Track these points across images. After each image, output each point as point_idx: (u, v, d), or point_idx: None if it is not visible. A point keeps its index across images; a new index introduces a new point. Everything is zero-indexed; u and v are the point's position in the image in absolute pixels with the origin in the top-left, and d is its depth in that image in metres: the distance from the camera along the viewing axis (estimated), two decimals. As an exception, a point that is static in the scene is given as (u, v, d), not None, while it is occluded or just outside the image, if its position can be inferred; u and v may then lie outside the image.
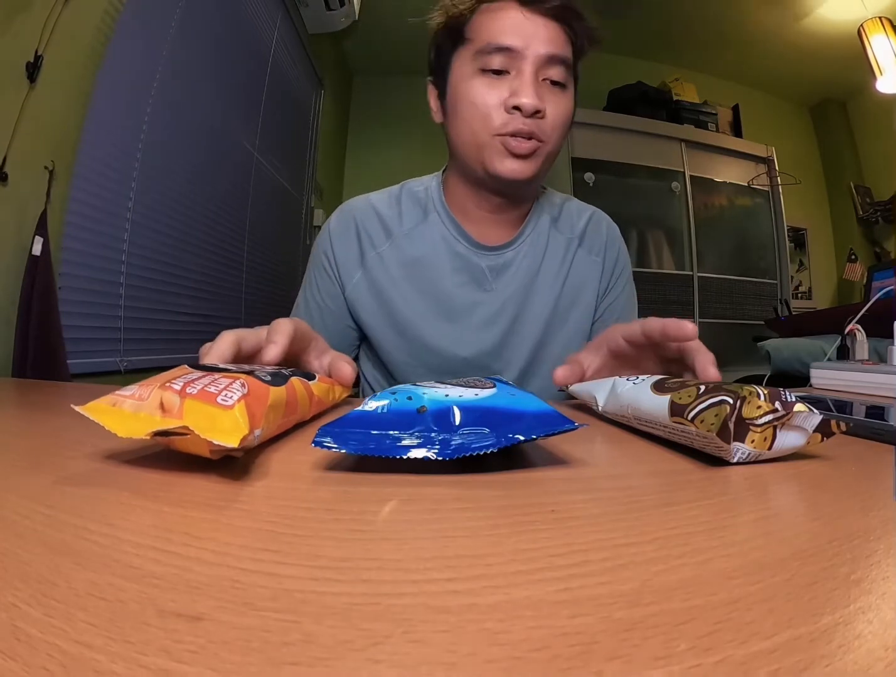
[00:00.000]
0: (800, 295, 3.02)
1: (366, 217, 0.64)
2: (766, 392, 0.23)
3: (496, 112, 0.54)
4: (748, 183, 2.87)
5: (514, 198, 0.61)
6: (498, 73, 0.54)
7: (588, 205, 0.72)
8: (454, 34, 0.57)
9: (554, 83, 0.55)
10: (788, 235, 2.90)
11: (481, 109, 0.54)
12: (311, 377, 0.32)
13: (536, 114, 0.52)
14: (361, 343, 0.68)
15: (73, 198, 0.96)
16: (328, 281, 0.64)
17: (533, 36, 0.53)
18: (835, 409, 0.38)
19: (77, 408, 0.21)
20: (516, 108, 0.52)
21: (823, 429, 0.23)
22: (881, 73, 2.14)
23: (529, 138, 0.54)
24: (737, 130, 2.94)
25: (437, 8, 0.58)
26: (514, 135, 0.53)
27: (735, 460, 0.22)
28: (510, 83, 0.53)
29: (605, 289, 0.68)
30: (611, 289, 0.69)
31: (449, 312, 0.62)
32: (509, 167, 0.54)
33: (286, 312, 0.63)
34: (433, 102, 0.62)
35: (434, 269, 0.62)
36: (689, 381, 0.27)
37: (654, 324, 0.39)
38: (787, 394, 0.23)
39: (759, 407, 0.22)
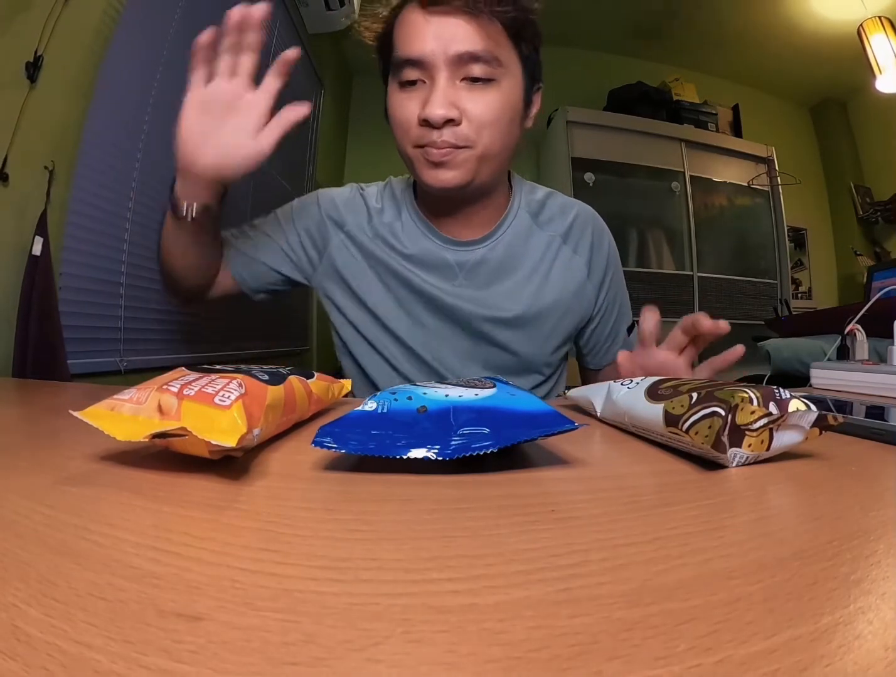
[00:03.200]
0: (800, 295, 3.01)
1: (366, 194, 0.66)
2: (758, 395, 0.23)
3: (412, 126, 0.53)
4: (748, 183, 2.86)
5: (465, 201, 0.60)
6: (413, 83, 0.53)
7: (573, 201, 0.70)
8: (383, 50, 0.56)
9: (475, 80, 0.52)
10: (788, 235, 2.90)
11: (402, 124, 0.54)
12: (309, 376, 0.32)
13: (449, 122, 0.51)
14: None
15: (73, 198, 0.96)
16: (312, 218, 0.65)
17: (437, 38, 0.50)
18: (835, 409, 0.38)
19: (76, 414, 0.21)
20: (426, 120, 0.51)
21: (821, 423, 0.23)
22: (881, 73, 2.14)
23: (445, 148, 0.52)
24: (737, 130, 2.93)
25: (363, 27, 0.58)
26: (429, 146, 0.52)
27: (734, 464, 0.22)
28: (423, 94, 0.52)
29: (595, 295, 0.67)
30: (601, 294, 0.67)
31: (413, 304, 0.63)
32: (433, 176, 0.54)
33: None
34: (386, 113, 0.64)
35: (404, 263, 0.63)
36: (681, 386, 0.27)
37: (686, 322, 0.48)
38: (782, 391, 0.23)
39: (752, 412, 0.22)
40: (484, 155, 0.54)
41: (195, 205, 0.52)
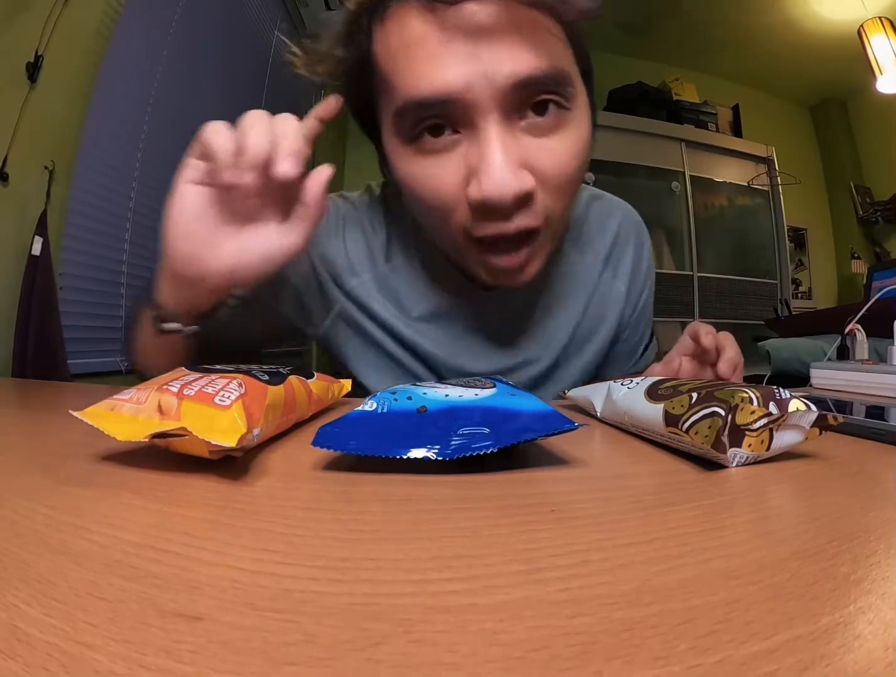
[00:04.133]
0: (800, 295, 3.02)
1: (358, 217, 0.50)
2: (758, 395, 0.23)
3: (454, 205, 0.36)
4: (748, 183, 2.87)
5: None
6: (437, 134, 0.34)
7: (613, 205, 0.57)
8: (359, 91, 0.38)
9: (545, 115, 0.34)
10: (788, 235, 2.90)
11: (434, 205, 0.36)
12: (309, 376, 0.32)
13: (523, 203, 0.34)
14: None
15: (73, 198, 0.96)
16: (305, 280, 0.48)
17: (471, 58, 0.32)
18: (835, 409, 0.38)
19: (76, 414, 0.21)
20: (485, 203, 0.33)
21: (821, 423, 0.23)
22: (881, 73, 2.14)
23: (518, 240, 0.36)
24: (737, 130, 2.94)
25: (304, 58, 0.38)
26: (493, 242, 0.37)
27: (734, 465, 0.22)
28: (463, 154, 0.34)
29: (629, 317, 0.57)
30: (634, 315, 0.58)
31: (420, 369, 0.50)
32: (499, 280, 0.40)
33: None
34: (376, 151, 0.43)
35: (413, 325, 0.49)
36: (681, 386, 0.27)
37: (691, 329, 0.44)
38: (782, 391, 0.23)
39: (752, 412, 0.22)
40: (559, 228, 0.40)
41: (193, 319, 0.36)
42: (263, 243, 0.34)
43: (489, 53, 0.32)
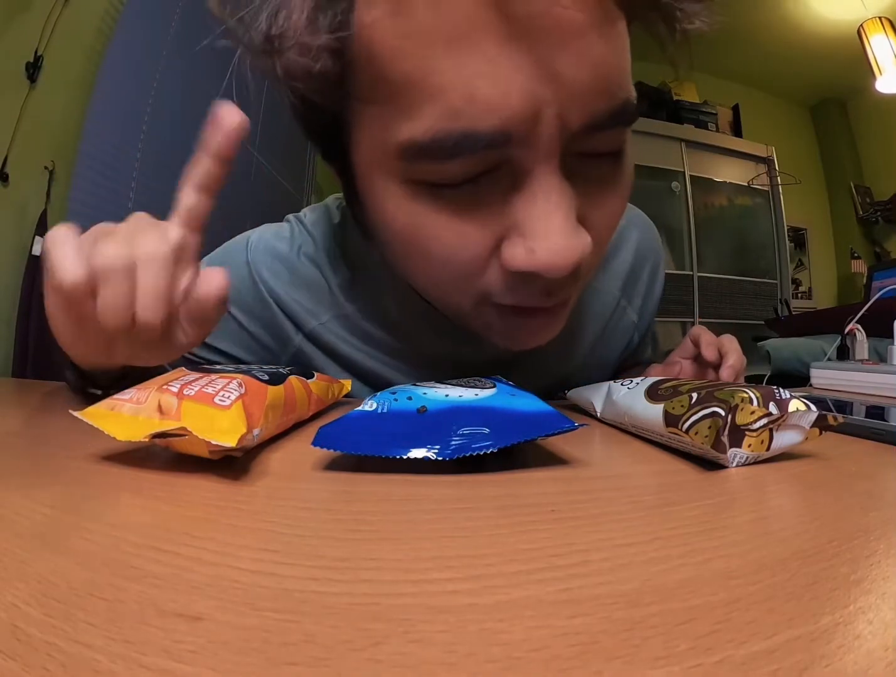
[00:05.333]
0: (800, 295, 3.02)
1: (314, 255, 0.42)
2: (758, 395, 0.23)
3: (479, 268, 0.27)
4: (748, 183, 2.87)
5: None
6: (468, 182, 0.25)
7: (632, 223, 0.50)
8: (326, 99, 0.26)
9: (602, 155, 0.26)
10: (788, 235, 2.90)
11: (444, 267, 0.28)
12: (309, 376, 0.32)
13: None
14: None
15: (73, 199, 0.96)
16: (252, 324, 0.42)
17: (546, 77, 0.22)
18: (835, 409, 0.38)
19: (76, 413, 0.21)
20: (530, 273, 0.26)
21: (821, 423, 0.23)
22: (881, 73, 2.15)
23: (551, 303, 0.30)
24: (737, 130, 2.94)
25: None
26: (522, 307, 0.29)
27: (734, 465, 0.22)
28: (501, 202, 0.25)
29: (636, 342, 0.54)
30: (640, 340, 0.54)
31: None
32: (520, 344, 0.33)
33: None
34: (337, 179, 0.33)
35: (396, 367, 0.43)
36: (681, 387, 0.27)
37: (693, 334, 0.43)
38: (782, 391, 0.23)
39: (752, 412, 0.22)
40: (589, 280, 0.33)
41: (112, 379, 0.33)
42: (155, 347, 0.28)
43: (569, 70, 0.22)
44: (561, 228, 0.24)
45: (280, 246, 0.42)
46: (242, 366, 0.28)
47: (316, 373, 0.33)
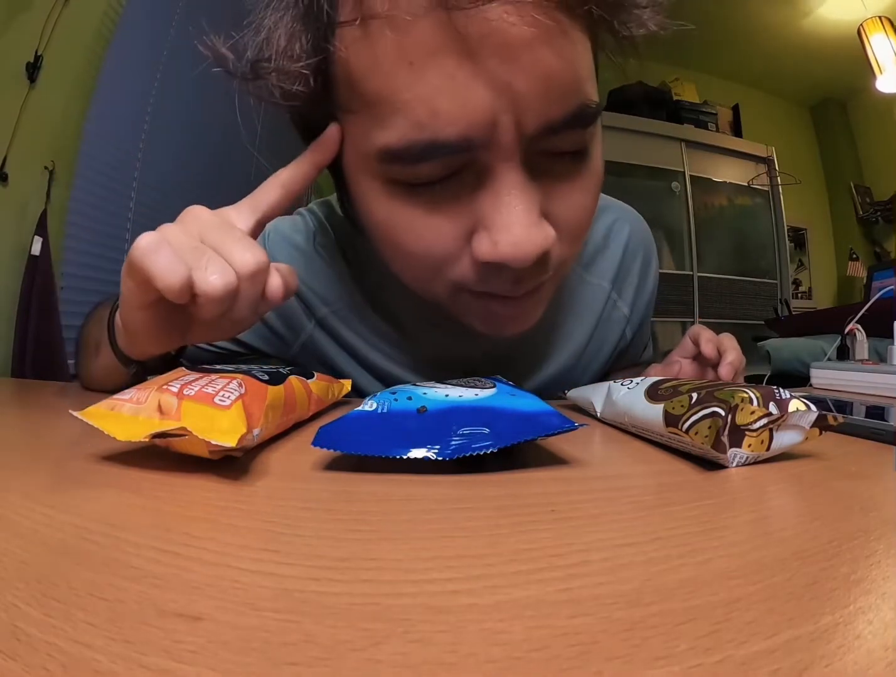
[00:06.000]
0: (800, 295, 3.02)
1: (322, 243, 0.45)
2: (758, 395, 0.23)
3: (452, 259, 0.30)
4: (748, 183, 2.87)
5: None
6: (440, 181, 0.27)
7: (622, 220, 0.52)
8: (312, 110, 0.30)
9: (564, 154, 0.29)
10: (788, 235, 2.90)
11: (420, 259, 0.30)
12: (309, 376, 0.32)
13: (541, 260, 0.29)
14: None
15: (73, 198, 0.96)
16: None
17: (501, 87, 0.24)
18: (835, 409, 0.38)
19: (75, 414, 0.21)
20: (500, 264, 0.28)
21: (821, 423, 0.23)
22: (881, 73, 2.15)
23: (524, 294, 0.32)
24: (737, 130, 2.94)
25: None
26: (492, 297, 0.32)
27: (734, 465, 0.22)
28: (469, 199, 0.28)
29: (629, 336, 0.54)
30: (635, 335, 0.55)
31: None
32: (497, 330, 0.35)
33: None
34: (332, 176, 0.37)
35: (399, 361, 0.45)
36: (681, 387, 0.27)
37: (692, 332, 0.44)
38: (782, 391, 0.23)
39: (752, 412, 0.22)
40: (565, 272, 0.35)
41: (153, 361, 0.34)
42: (212, 336, 0.32)
43: (522, 80, 0.24)
44: (521, 221, 0.27)
45: (296, 237, 0.45)
46: (242, 367, 0.28)
47: (316, 373, 0.33)
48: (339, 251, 0.44)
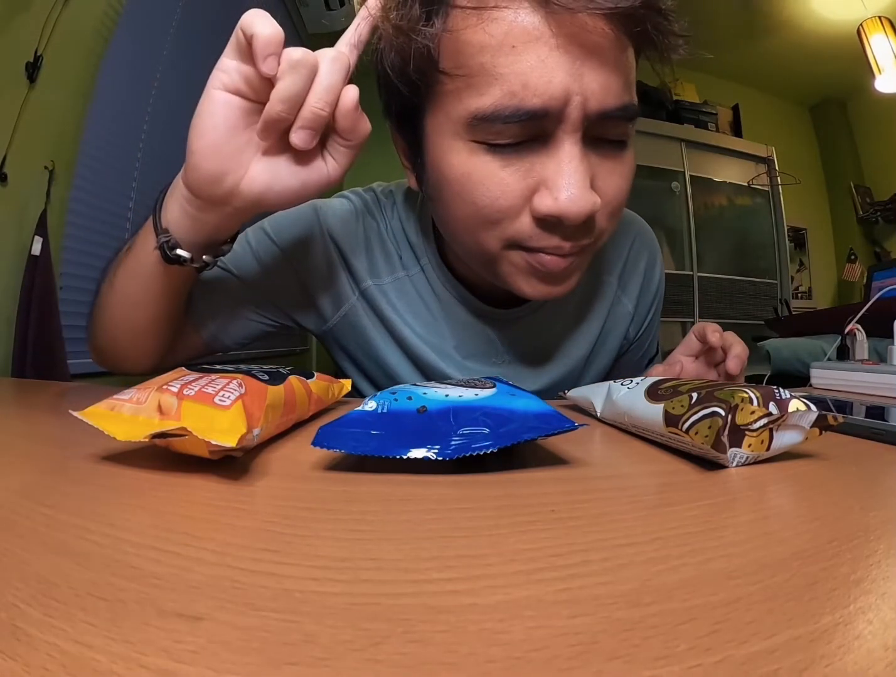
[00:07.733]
0: (800, 295, 3.02)
1: (375, 223, 0.49)
2: (758, 395, 0.23)
3: (514, 213, 0.35)
4: (748, 183, 2.87)
5: None
6: (514, 145, 0.34)
7: (629, 223, 0.56)
8: (417, 69, 0.34)
9: (609, 143, 0.35)
10: (788, 235, 2.90)
11: (487, 209, 0.35)
12: (309, 376, 0.32)
13: (589, 221, 0.35)
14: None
15: (73, 198, 0.96)
16: (318, 260, 0.47)
17: (575, 75, 0.31)
18: (835, 409, 0.38)
19: (76, 414, 0.21)
20: (554, 217, 0.33)
21: (821, 423, 0.23)
22: (881, 73, 2.15)
23: (570, 253, 0.37)
24: (737, 130, 2.94)
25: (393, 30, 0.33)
26: (543, 253, 0.36)
27: (734, 465, 0.22)
28: (536, 162, 0.34)
29: (634, 335, 0.57)
30: (640, 331, 0.58)
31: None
32: (540, 291, 0.39)
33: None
34: (402, 158, 0.42)
35: (428, 342, 0.49)
36: (681, 386, 0.27)
37: (696, 329, 0.45)
38: (782, 391, 0.23)
39: (752, 412, 0.22)
40: (599, 246, 0.39)
41: (203, 250, 0.37)
42: (298, 168, 0.34)
43: (591, 74, 0.32)
44: (578, 183, 0.33)
45: (345, 211, 0.49)
46: (242, 366, 0.28)
47: (316, 373, 0.33)
48: (401, 226, 0.49)
